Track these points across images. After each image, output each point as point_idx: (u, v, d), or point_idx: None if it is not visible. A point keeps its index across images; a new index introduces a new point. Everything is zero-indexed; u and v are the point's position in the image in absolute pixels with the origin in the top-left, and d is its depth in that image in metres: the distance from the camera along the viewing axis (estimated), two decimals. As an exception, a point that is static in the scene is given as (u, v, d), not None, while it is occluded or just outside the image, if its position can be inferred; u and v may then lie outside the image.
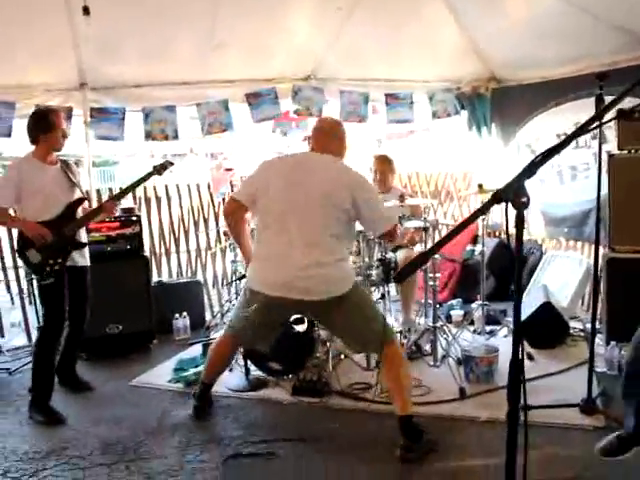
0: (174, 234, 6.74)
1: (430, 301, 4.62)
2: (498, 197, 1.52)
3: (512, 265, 5.60)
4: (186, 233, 6.78)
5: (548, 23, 5.20)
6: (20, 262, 4.26)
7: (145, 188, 6.49)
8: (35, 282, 4.14)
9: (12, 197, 3.97)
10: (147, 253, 5.65)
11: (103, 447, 3.51)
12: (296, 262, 3.28)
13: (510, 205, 1.51)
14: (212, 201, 6.86)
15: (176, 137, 5.84)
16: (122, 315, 5.21)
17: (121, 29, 4.94)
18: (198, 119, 5.90)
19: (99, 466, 3.28)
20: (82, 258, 4.26)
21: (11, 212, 4.11)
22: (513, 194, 1.50)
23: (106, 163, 21.62)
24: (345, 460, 3.27)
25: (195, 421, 3.84)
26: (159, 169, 4.30)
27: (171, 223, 6.72)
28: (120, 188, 4.99)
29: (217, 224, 6.68)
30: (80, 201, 4.20)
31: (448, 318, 5.48)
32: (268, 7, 5.16)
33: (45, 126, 4.03)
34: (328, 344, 4.33)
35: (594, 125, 1.67)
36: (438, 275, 4.56)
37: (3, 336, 5.70)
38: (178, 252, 6.77)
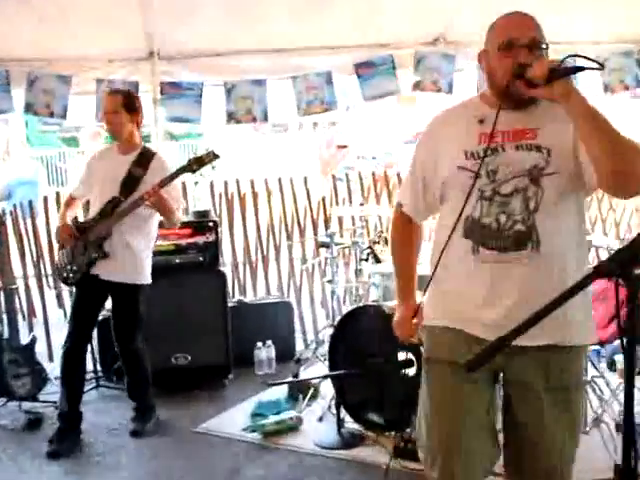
0: (261, 244, 7.03)
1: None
2: (601, 270, 1.66)
3: None
4: (275, 243, 7.06)
5: None
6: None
7: (226, 183, 6.87)
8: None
9: (81, 188, 4.95)
10: (226, 267, 6.01)
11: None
12: None
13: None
14: (309, 201, 7.03)
15: (265, 119, 6.27)
16: (191, 343, 5.57)
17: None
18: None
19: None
20: (106, 270, 4.67)
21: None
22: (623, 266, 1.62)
23: (189, 135, 22.85)
24: None
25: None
26: (192, 164, 4.56)
27: (257, 229, 7.01)
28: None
29: (315, 232, 6.86)
30: (113, 200, 4.63)
31: (611, 365, 5.48)
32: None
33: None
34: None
35: None
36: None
37: (52, 360, 6.19)
38: (266, 266, 7.06)
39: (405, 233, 2.88)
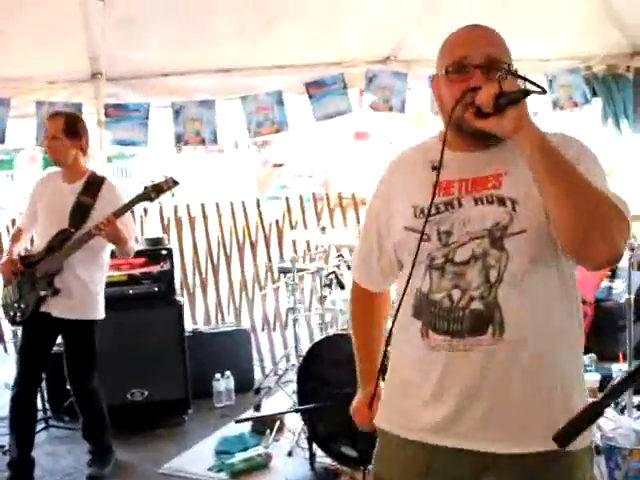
0: (212, 263, 6.99)
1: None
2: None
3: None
4: (228, 261, 7.00)
5: None
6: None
7: (176, 207, 6.79)
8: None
9: (28, 219, 4.72)
10: (180, 297, 5.90)
11: None
12: None
13: None
14: (261, 220, 7.00)
15: (215, 141, 6.11)
16: (148, 377, 5.39)
17: (145, 3, 5.22)
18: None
19: None
20: (58, 307, 4.46)
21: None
22: None
23: (122, 156, 22.93)
24: None
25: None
26: (150, 192, 4.35)
27: (209, 248, 6.96)
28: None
29: (268, 252, 6.77)
30: (62, 232, 4.42)
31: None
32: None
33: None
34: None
35: None
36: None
37: (-7, 400, 5.87)
38: (217, 286, 7.00)
39: (365, 305, 2.35)
